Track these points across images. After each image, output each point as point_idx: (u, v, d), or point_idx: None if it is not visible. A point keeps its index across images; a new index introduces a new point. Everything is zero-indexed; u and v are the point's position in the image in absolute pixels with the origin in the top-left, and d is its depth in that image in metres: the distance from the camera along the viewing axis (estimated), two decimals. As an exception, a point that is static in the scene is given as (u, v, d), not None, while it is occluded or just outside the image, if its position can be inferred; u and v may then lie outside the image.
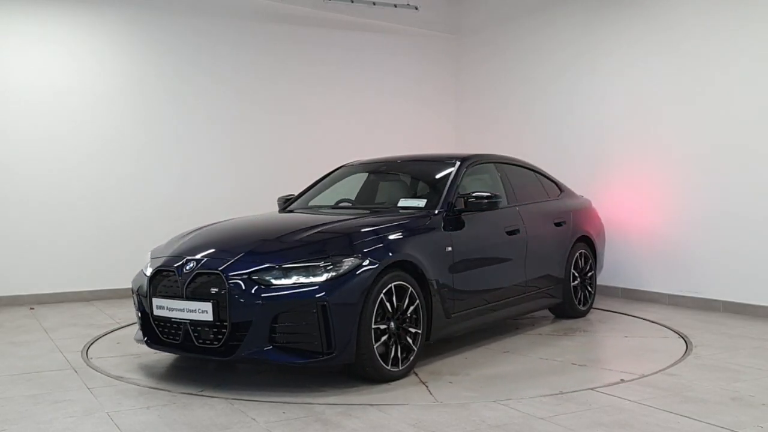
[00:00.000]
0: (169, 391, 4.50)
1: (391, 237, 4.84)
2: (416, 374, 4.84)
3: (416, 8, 9.82)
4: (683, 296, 7.47)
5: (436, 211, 5.35)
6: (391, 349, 4.60)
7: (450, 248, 5.19)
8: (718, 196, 7.12)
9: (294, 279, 4.39)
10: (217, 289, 4.45)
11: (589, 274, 6.99)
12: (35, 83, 8.16)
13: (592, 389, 4.43)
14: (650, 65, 7.79)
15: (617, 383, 4.55)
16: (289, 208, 6.31)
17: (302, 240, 4.74)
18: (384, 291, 4.55)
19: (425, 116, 10.42)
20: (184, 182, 8.85)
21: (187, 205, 8.66)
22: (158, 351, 5.00)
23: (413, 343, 4.77)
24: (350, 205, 6.13)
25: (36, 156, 8.15)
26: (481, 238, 5.60)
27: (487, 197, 5.43)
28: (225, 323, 4.39)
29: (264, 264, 4.46)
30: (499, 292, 5.80)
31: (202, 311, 4.46)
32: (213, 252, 4.73)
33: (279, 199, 6.62)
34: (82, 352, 5.66)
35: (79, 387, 4.63)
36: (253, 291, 4.37)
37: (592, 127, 8.49)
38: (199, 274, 4.57)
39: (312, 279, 4.37)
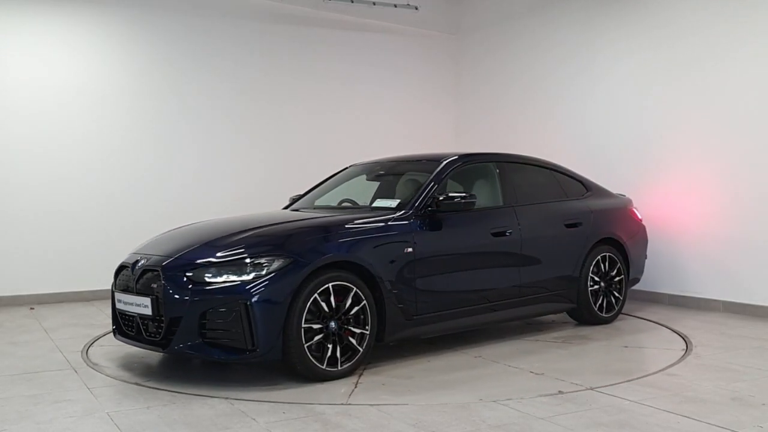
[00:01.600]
0: (169, 391, 4.50)
1: (334, 237, 4.88)
2: (360, 374, 4.83)
3: (416, 8, 9.82)
4: (683, 296, 7.48)
5: (402, 212, 5.31)
6: (328, 348, 4.62)
7: (411, 249, 5.12)
8: (716, 195, 7.12)
9: (224, 277, 4.53)
10: (155, 285, 4.69)
11: (616, 278, 6.60)
12: (39, 83, 8.17)
13: (592, 389, 4.43)
14: (650, 64, 7.79)
15: (618, 383, 4.55)
16: (292, 207, 6.38)
17: (240, 240, 4.83)
18: (319, 291, 4.60)
19: (425, 116, 10.42)
20: (186, 182, 8.85)
21: (188, 205, 8.65)
22: (121, 342, 5.21)
23: (358, 344, 4.77)
24: (350, 205, 6.14)
25: (37, 156, 8.15)
26: (455, 239, 5.45)
27: (461, 197, 5.36)
28: (163, 317, 4.63)
29: (198, 262, 4.65)
30: (480, 295, 5.61)
31: (144, 306, 4.73)
32: (162, 250, 4.98)
33: (291, 198, 6.74)
34: (82, 352, 5.66)
35: (79, 387, 4.63)
36: (184, 288, 4.56)
37: (591, 125, 8.49)
38: (144, 271, 4.84)
39: (240, 278, 4.50)
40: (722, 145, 7.10)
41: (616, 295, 6.62)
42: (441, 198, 5.37)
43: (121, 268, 5.18)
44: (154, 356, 5.40)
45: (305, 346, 4.53)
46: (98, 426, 3.84)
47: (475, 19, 10.35)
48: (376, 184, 6.41)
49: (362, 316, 4.81)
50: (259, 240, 4.81)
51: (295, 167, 9.35)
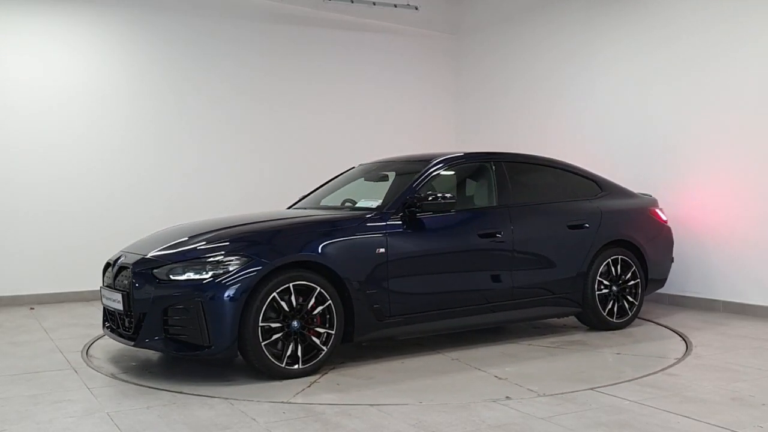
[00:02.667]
0: (169, 391, 4.50)
1: (297, 237, 4.96)
2: (324, 373, 4.86)
3: (416, 8, 9.82)
4: (683, 296, 7.47)
5: (376, 212, 5.32)
6: (288, 347, 4.69)
7: (383, 249, 5.11)
8: (714, 195, 7.12)
9: (186, 276, 4.67)
10: (126, 282, 4.89)
11: (630, 283, 6.30)
12: (39, 83, 8.18)
13: (592, 389, 4.43)
14: (650, 63, 7.79)
15: (618, 383, 4.55)
16: (295, 207, 6.43)
17: (207, 239, 4.95)
18: (279, 290, 4.66)
19: (425, 115, 10.42)
20: (186, 182, 8.85)
21: (188, 205, 8.66)
22: (106, 335, 5.36)
23: (322, 344, 4.81)
24: (350, 205, 6.13)
25: (37, 156, 8.16)
26: (435, 240, 5.42)
27: (441, 198, 5.32)
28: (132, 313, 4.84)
29: (165, 261, 4.81)
30: (464, 298, 5.52)
31: (117, 301, 4.93)
32: (140, 248, 5.18)
33: (301, 197, 6.74)
34: (82, 352, 5.66)
35: (79, 387, 4.63)
36: (149, 285, 4.74)
37: (591, 125, 8.49)
38: (120, 268, 5.06)
39: (199, 276, 4.64)
40: (719, 144, 7.10)
41: (629, 299, 6.32)
42: (420, 199, 5.35)
43: (107, 266, 5.42)
44: (154, 356, 5.40)
45: (262, 344, 4.61)
46: (98, 426, 3.84)
47: (475, 19, 10.35)
48: (378, 184, 6.40)
49: (328, 316, 4.84)
50: (222, 240, 4.92)
51: (295, 167, 9.36)
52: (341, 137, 9.72)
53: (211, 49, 9.04)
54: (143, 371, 5.03)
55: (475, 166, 6.17)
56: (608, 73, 8.30)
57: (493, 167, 6.00)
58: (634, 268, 6.33)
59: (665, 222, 6.76)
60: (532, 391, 4.41)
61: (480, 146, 9.16)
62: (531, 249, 5.85)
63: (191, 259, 4.74)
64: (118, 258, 5.20)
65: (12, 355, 5.57)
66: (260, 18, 9.32)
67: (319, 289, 4.80)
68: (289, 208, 6.48)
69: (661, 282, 6.74)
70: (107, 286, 5.22)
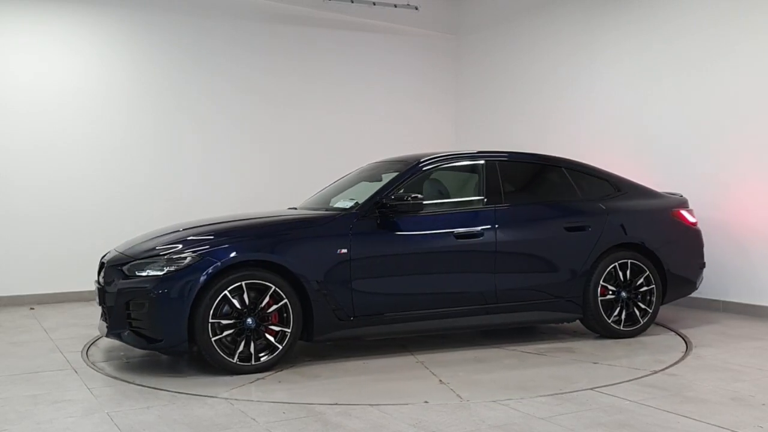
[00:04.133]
0: (169, 391, 4.50)
1: (252, 237, 5.09)
2: (279, 371, 4.91)
3: (416, 8, 9.82)
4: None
5: (344, 214, 5.35)
6: (240, 344, 4.82)
7: (345, 250, 5.12)
8: (712, 194, 7.12)
9: (146, 272, 4.88)
10: (104, 278, 5.16)
11: (642, 289, 5.93)
12: (39, 84, 8.17)
13: (592, 389, 4.43)
14: (650, 63, 7.79)
15: (618, 383, 4.55)
16: (300, 206, 6.41)
17: (172, 238, 5.17)
18: (231, 288, 4.79)
19: (425, 115, 10.41)
20: (187, 183, 8.84)
21: (189, 205, 8.63)
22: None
23: (277, 341, 4.90)
24: (332, 206, 6.10)
25: (37, 156, 8.15)
26: (406, 240, 5.37)
27: (408, 198, 5.29)
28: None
29: (130, 257, 5.07)
30: (437, 300, 5.42)
31: (98, 296, 5.22)
32: (124, 247, 5.44)
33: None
34: (82, 352, 5.66)
35: (79, 387, 4.63)
36: (115, 281, 5.01)
37: (591, 124, 8.49)
38: (102, 264, 5.35)
39: (154, 273, 4.85)
40: (722, 143, 7.11)
41: (641, 306, 5.93)
42: (390, 200, 5.33)
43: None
44: (154, 356, 5.40)
45: (212, 339, 4.75)
46: (98, 426, 3.84)
47: (475, 19, 10.35)
48: (375, 184, 6.38)
49: (285, 315, 4.92)
50: (182, 239, 5.11)
51: (295, 167, 9.36)
52: (341, 137, 9.71)
53: (211, 49, 9.04)
54: (143, 371, 5.02)
55: (464, 165, 6.09)
56: (608, 73, 8.30)
57: (485, 166, 5.86)
58: (647, 273, 5.93)
59: (692, 224, 6.32)
60: (461, 398, 4.28)
61: (480, 146, 9.16)
62: (518, 251, 5.65)
63: (150, 256, 4.97)
64: (105, 255, 5.55)
65: (12, 355, 5.57)
66: (260, 18, 9.32)
67: (273, 288, 4.89)
68: (290, 208, 6.46)
69: (687, 288, 6.33)
70: (96, 282, 5.45)
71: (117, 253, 5.31)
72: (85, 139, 8.39)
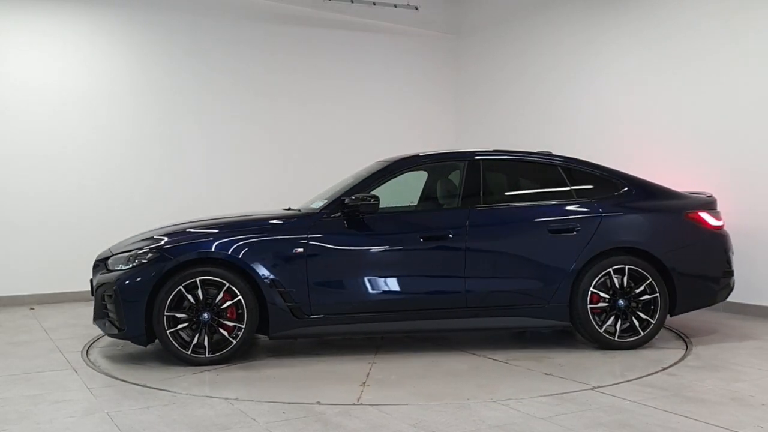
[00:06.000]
0: (169, 391, 4.50)
1: (209, 235, 5.29)
2: (229, 365, 5.10)
3: (416, 8, 9.83)
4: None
5: (305, 214, 5.47)
6: (194, 337, 5.09)
7: (301, 249, 5.22)
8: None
9: (119, 267, 5.24)
10: (93, 272, 5.56)
11: (643, 298, 5.43)
12: (41, 85, 8.17)
13: (592, 389, 4.43)
14: (649, 63, 7.79)
15: (618, 383, 4.55)
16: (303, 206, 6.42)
17: (145, 236, 5.50)
18: (186, 283, 5.06)
19: (425, 115, 10.41)
20: (188, 183, 8.84)
21: (189, 205, 8.62)
22: None
23: (231, 336, 5.12)
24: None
25: (38, 156, 8.15)
26: (366, 241, 5.37)
27: (362, 198, 5.29)
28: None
29: (113, 254, 5.41)
30: (398, 301, 5.34)
31: (90, 288, 5.57)
32: (117, 244, 5.74)
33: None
34: (82, 352, 5.66)
35: (79, 387, 4.63)
36: (96, 274, 5.44)
37: (590, 125, 8.49)
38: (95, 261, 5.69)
39: (122, 267, 5.21)
40: (725, 143, 7.11)
41: (641, 315, 5.43)
42: (352, 199, 5.33)
43: None
44: (154, 357, 5.40)
45: (167, 331, 5.04)
46: (98, 426, 3.84)
47: (475, 19, 10.35)
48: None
49: (240, 311, 5.11)
50: (152, 237, 5.42)
51: (295, 167, 9.36)
52: (341, 137, 9.71)
53: (212, 49, 9.04)
54: (143, 371, 5.03)
55: (444, 165, 5.99)
56: (608, 72, 8.30)
57: (467, 166, 5.67)
58: (650, 280, 5.44)
59: (714, 227, 5.70)
60: (339, 404, 4.18)
61: (480, 145, 9.16)
62: (491, 254, 5.44)
63: (123, 252, 5.31)
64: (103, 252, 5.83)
65: (12, 355, 5.57)
66: (260, 18, 9.32)
67: (227, 284, 5.08)
68: (284, 209, 6.43)
69: (706, 299, 5.76)
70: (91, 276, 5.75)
71: (107, 250, 5.66)
72: (85, 140, 8.38)
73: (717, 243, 5.73)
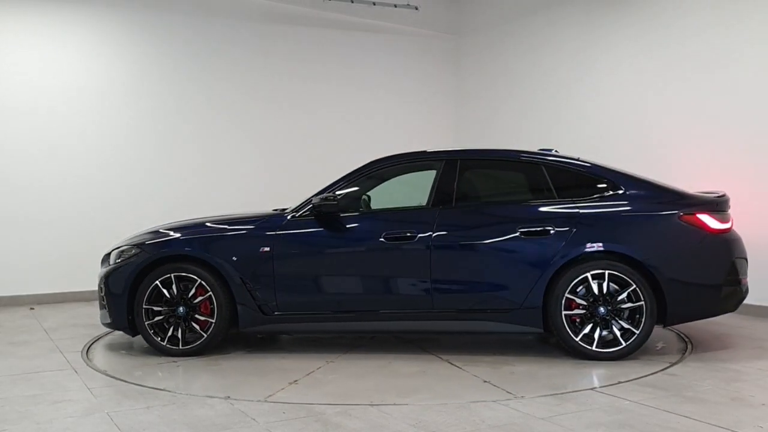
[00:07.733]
0: (169, 391, 4.50)
1: (184, 234, 5.57)
2: (201, 357, 5.33)
3: (416, 8, 9.83)
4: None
5: (276, 214, 5.65)
6: (169, 329, 5.40)
7: (268, 248, 5.39)
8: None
9: (112, 262, 5.63)
10: (102, 265, 5.89)
11: (625, 306, 5.06)
12: (39, 83, 8.17)
13: (592, 389, 4.43)
14: (649, 63, 7.79)
15: (618, 383, 4.55)
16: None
17: (140, 233, 5.83)
18: (162, 279, 5.38)
19: (425, 115, 10.41)
20: (188, 183, 8.84)
21: (189, 205, 8.62)
22: None
23: (203, 330, 5.38)
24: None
25: (37, 156, 8.15)
26: (331, 241, 5.44)
27: (324, 199, 5.37)
28: None
29: (114, 248, 5.76)
30: (362, 301, 5.36)
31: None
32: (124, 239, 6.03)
33: None
34: (82, 352, 5.66)
35: (79, 387, 4.63)
36: (101, 267, 5.80)
37: (591, 125, 8.49)
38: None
39: (114, 263, 5.61)
40: (732, 143, 7.11)
41: (623, 324, 5.07)
42: (319, 200, 5.39)
43: None
44: (153, 357, 5.41)
45: (146, 323, 5.39)
46: (98, 426, 3.84)
47: (475, 20, 10.35)
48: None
49: (212, 306, 5.36)
50: (142, 234, 5.76)
51: (295, 167, 9.35)
52: (341, 137, 9.71)
53: (211, 49, 9.04)
54: (143, 371, 5.03)
55: (422, 165, 5.86)
56: (611, 74, 8.30)
57: (443, 166, 5.54)
58: (634, 286, 5.06)
59: (716, 231, 5.23)
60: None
61: (480, 146, 9.15)
62: (458, 256, 5.29)
63: (117, 249, 5.69)
64: None
65: (12, 355, 5.57)
66: (260, 18, 9.32)
67: (199, 281, 5.36)
68: (273, 210, 6.43)
69: (704, 308, 5.32)
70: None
71: (115, 244, 5.98)
72: (85, 139, 8.38)
73: (719, 247, 5.25)
